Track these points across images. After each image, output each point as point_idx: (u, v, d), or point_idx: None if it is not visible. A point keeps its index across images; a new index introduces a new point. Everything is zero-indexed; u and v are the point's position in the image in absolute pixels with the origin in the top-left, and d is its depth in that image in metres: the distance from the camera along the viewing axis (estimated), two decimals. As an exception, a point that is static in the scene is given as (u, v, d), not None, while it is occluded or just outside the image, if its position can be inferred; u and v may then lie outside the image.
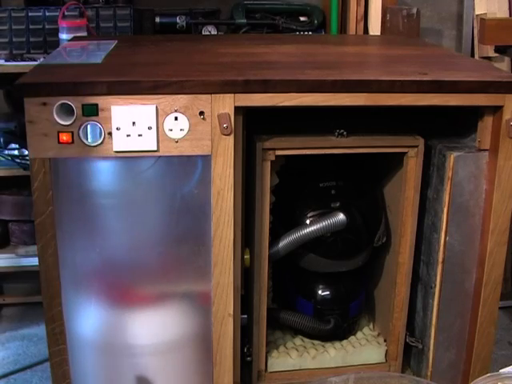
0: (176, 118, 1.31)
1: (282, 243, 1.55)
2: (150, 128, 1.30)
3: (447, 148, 1.47)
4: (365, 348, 1.68)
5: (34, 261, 1.46)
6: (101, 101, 1.28)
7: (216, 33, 2.30)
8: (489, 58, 2.39)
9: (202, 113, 1.31)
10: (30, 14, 2.20)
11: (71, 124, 1.28)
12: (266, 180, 1.46)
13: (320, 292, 1.67)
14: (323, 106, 1.36)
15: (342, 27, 2.30)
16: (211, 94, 1.31)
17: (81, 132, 1.29)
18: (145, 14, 2.31)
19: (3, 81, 2.27)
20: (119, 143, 1.30)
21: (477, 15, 2.38)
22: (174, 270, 1.46)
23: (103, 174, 1.41)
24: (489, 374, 0.96)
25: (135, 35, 2.24)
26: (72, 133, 1.29)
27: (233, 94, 1.31)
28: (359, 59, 1.71)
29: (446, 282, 1.51)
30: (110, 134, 1.30)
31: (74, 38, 1.91)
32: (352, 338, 1.72)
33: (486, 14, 2.37)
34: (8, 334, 2.30)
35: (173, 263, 1.45)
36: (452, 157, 1.44)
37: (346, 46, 1.94)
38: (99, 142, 1.30)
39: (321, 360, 1.66)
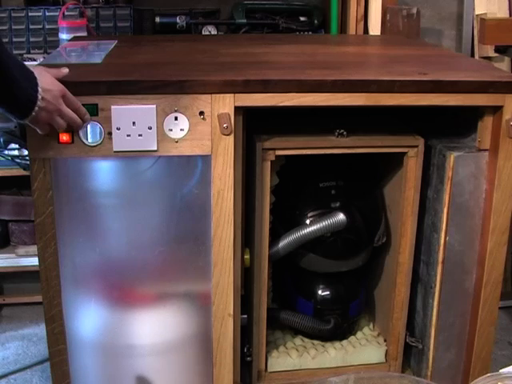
0: (176, 118, 1.31)
1: (282, 243, 1.55)
2: (150, 128, 1.30)
3: (447, 148, 1.47)
4: (365, 348, 1.68)
5: (34, 261, 1.46)
6: (101, 101, 1.28)
7: (216, 33, 2.29)
8: (489, 58, 2.39)
9: (202, 113, 1.32)
10: (29, 14, 2.20)
11: (71, 124, 1.28)
12: (266, 180, 1.46)
13: (320, 292, 1.67)
14: (323, 106, 1.36)
15: (342, 27, 2.30)
16: (211, 94, 1.31)
17: (81, 132, 1.29)
18: (145, 14, 2.31)
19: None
20: (119, 143, 1.30)
21: (477, 15, 2.38)
22: (174, 270, 1.46)
23: (103, 173, 1.41)
24: (489, 374, 0.96)
25: (135, 35, 2.24)
26: (72, 133, 1.29)
27: (233, 94, 1.31)
28: (359, 59, 1.71)
29: (446, 282, 1.51)
30: (109, 133, 1.30)
31: (74, 38, 1.91)
32: (352, 337, 1.72)
33: (486, 13, 2.37)
34: (8, 333, 2.30)
35: (173, 263, 1.45)
36: (452, 157, 1.44)
37: (346, 46, 1.94)
38: (99, 142, 1.30)
39: (321, 360, 1.66)
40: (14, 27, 2.20)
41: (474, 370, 1.56)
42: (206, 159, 1.35)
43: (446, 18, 2.48)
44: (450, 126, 1.54)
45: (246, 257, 1.52)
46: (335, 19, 2.25)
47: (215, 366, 1.48)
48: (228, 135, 1.33)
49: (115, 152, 1.31)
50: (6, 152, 1.76)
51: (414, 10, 2.18)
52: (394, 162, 1.56)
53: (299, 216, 1.57)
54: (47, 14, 2.20)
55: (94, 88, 1.28)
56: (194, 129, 1.32)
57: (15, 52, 2.23)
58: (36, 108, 1.17)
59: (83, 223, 1.40)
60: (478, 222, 1.48)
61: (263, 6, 2.34)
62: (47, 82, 1.19)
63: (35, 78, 1.17)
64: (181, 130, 1.32)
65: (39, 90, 1.17)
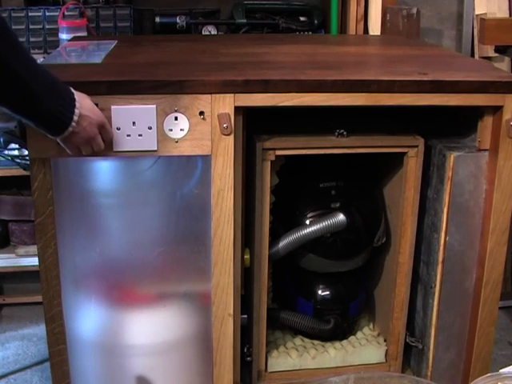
0: (176, 118, 1.31)
1: (282, 243, 1.55)
2: (150, 128, 1.30)
3: (447, 148, 1.47)
4: (365, 348, 1.68)
5: (34, 261, 1.46)
6: (101, 101, 1.28)
7: (216, 33, 2.29)
8: (489, 58, 2.39)
9: (202, 113, 1.31)
10: (30, 14, 2.19)
11: (71, 124, 1.28)
12: (266, 180, 1.46)
13: (320, 292, 1.67)
14: (323, 106, 1.36)
15: (342, 27, 2.30)
16: (211, 94, 1.31)
17: (81, 132, 1.29)
18: (145, 14, 2.31)
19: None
20: (119, 143, 1.30)
21: (477, 15, 2.38)
22: (174, 269, 1.46)
23: (103, 173, 1.41)
24: (489, 374, 0.96)
25: (135, 35, 2.24)
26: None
27: (233, 94, 1.31)
28: (359, 59, 1.71)
29: (446, 282, 1.51)
30: (110, 133, 1.30)
31: (74, 38, 1.92)
32: (352, 337, 1.72)
33: (486, 13, 2.37)
34: (8, 334, 2.30)
35: (173, 263, 1.45)
36: (452, 157, 1.44)
37: (346, 46, 1.94)
38: (99, 141, 1.30)
39: (321, 360, 1.66)
40: (14, 27, 2.20)
41: (473, 370, 1.56)
42: (206, 159, 1.35)
43: (445, 17, 2.48)
44: (449, 126, 1.54)
45: (246, 257, 1.52)
46: (335, 19, 2.25)
47: (215, 366, 1.48)
48: (228, 135, 1.33)
49: (115, 152, 1.31)
50: (6, 152, 1.75)
51: (414, 10, 2.18)
52: (394, 162, 1.56)
53: (299, 216, 1.57)
54: (47, 14, 2.20)
55: (93, 88, 1.27)
56: (194, 129, 1.32)
57: (15, 52, 2.22)
58: (70, 129, 1.15)
59: (83, 223, 1.40)
60: (478, 221, 1.48)
61: (263, 5, 2.34)
62: (87, 109, 1.17)
63: (73, 100, 1.14)
64: (181, 130, 1.32)
65: (76, 111, 1.14)
